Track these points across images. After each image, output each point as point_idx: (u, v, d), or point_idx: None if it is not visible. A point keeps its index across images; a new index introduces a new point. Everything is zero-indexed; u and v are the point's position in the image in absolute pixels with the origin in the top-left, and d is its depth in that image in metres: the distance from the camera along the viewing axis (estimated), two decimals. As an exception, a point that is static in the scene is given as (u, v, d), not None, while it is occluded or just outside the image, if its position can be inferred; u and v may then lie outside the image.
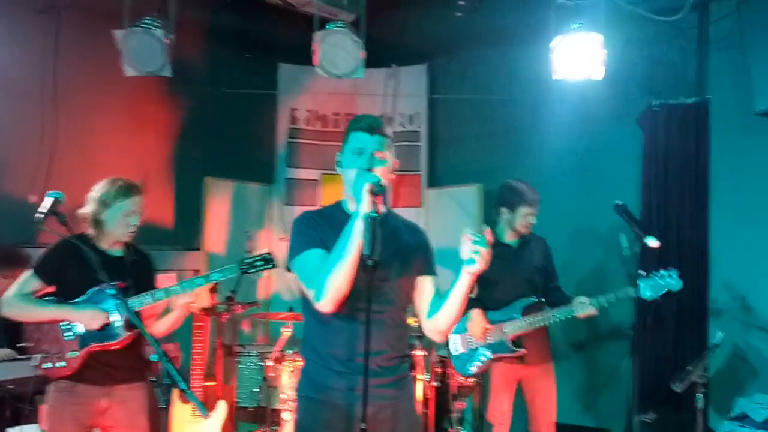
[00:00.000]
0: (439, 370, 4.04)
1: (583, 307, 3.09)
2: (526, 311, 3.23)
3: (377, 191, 1.80)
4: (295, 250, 2.00)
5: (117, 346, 2.53)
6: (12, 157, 4.05)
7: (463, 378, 3.26)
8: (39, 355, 2.53)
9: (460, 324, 3.22)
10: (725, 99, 3.85)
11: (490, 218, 4.82)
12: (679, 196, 4.01)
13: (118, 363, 2.57)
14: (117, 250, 2.66)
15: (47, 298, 2.57)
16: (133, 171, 4.54)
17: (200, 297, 3.56)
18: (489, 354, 3.23)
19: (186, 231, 4.77)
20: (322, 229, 2.01)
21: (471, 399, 4.41)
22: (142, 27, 3.77)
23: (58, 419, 2.52)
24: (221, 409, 3.62)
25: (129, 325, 2.51)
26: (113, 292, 2.42)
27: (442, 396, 4.06)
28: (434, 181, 5.21)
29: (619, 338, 4.16)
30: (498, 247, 3.23)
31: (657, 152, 4.09)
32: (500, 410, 3.27)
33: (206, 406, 2.92)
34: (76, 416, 2.52)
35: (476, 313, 3.21)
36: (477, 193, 4.81)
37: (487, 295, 3.27)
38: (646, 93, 4.15)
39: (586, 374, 4.33)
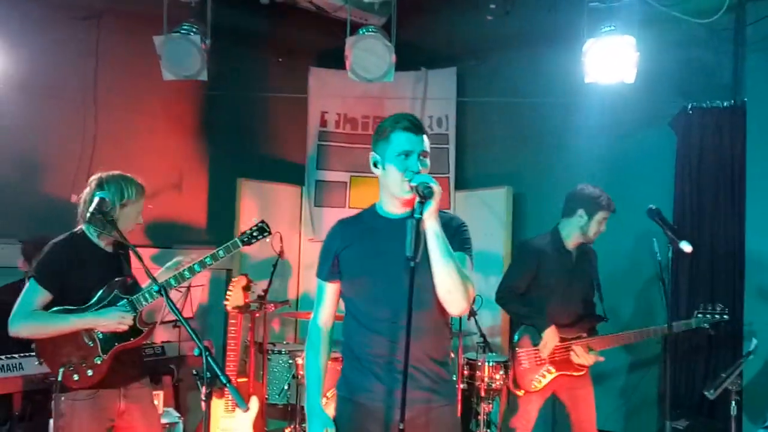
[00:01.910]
0: (466, 372, 4.05)
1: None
2: (591, 332, 3.24)
3: (426, 193, 1.80)
4: (317, 271, 2.13)
5: (142, 342, 2.54)
6: (54, 158, 4.19)
7: (522, 392, 3.22)
8: (62, 369, 2.40)
9: (534, 339, 3.21)
10: (762, 102, 3.77)
11: (520, 222, 4.85)
12: (713, 201, 3.95)
13: (130, 362, 2.55)
14: (109, 247, 2.57)
15: (56, 309, 2.43)
16: (169, 171, 4.71)
17: (234, 295, 3.67)
18: (554, 370, 3.20)
19: (218, 230, 4.87)
20: (344, 240, 2.05)
21: (498, 401, 4.41)
22: (180, 33, 3.87)
23: (80, 429, 2.41)
24: (254, 404, 3.69)
25: (143, 321, 2.53)
26: (118, 292, 2.46)
27: (469, 398, 4.07)
28: (463, 184, 5.22)
29: (650, 344, 4.11)
30: (560, 254, 3.23)
31: (690, 156, 4.03)
32: (526, 417, 3.24)
33: (244, 400, 2.96)
34: (100, 424, 2.45)
35: (551, 331, 3.14)
36: (506, 196, 4.80)
37: (545, 303, 3.22)
38: (679, 96, 4.10)
39: (617, 380, 4.29)
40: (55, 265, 2.43)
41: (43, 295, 2.40)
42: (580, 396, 3.23)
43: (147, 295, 2.49)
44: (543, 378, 3.20)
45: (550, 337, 3.12)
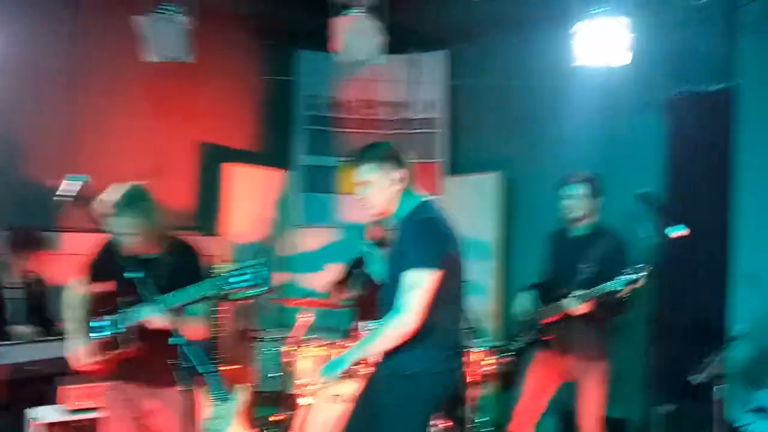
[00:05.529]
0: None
1: (570, 303, 3.03)
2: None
3: None
4: None
5: (128, 356, 2.40)
6: (33, 142, 4.11)
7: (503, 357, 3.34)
8: None
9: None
10: (754, 86, 3.72)
11: (512, 208, 4.81)
12: (705, 187, 3.92)
13: (159, 366, 2.36)
14: (149, 255, 2.46)
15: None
16: (153, 155, 4.62)
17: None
18: (525, 336, 3.28)
19: (205, 216, 4.81)
20: None
21: (488, 388, 4.40)
22: (163, 13, 3.77)
23: (113, 416, 2.51)
24: (241, 392, 3.65)
25: (132, 336, 2.38)
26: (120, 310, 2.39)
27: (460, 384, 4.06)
28: (454, 169, 5.16)
29: (635, 328, 4.09)
30: (561, 237, 3.29)
31: (682, 140, 4.00)
32: (531, 389, 3.29)
33: (226, 390, 2.91)
34: (127, 411, 2.49)
35: (521, 296, 3.29)
36: (497, 181, 4.76)
37: (546, 284, 3.29)
38: (672, 79, 4.04)
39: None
40: (92, 264, 2.58)
41: (78, 284, 2.59)
42: (586, 386, 3.18)
43: (140, 310, 2.32)
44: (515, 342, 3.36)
45: (523, 297, 3.35)
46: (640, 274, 2.84)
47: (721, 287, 3.75)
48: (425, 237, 2.24)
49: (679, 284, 3.84)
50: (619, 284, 2.87)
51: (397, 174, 2.33)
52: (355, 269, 2.79)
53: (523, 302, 3.31)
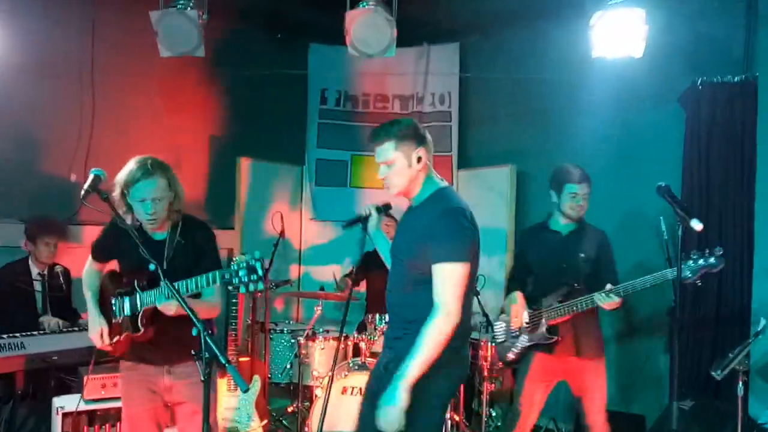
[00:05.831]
0: (470, 352, 4.02)
1: (605, 297, 2.91)
2: (564, 299, 3.08)
3: None
4: None
5: (143, 338, 2.42)
6: (53, 138, 4.15)
7: (501, 364, 3.20)
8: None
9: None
10: (773, 77, 3.69)
11: (524, 201, 4.79)
12: (723, 179, 3.87)
13: (172, 345, 2.42)
14: (160, 234, 2.47)
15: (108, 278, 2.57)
16: (167, 149, 4.64)
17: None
18: (526, 340, 3.16)
19: (219, 210, 4.83)
20: None
21: (500, 382, 4.40)
22: (176, 8, 3.79)
23: (129, 395, 2.54)
24: (256, 384, 3.68)
25: (146, 320, 2.39)
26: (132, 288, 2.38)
27: (472, 378, 4.06)
28: (465, 162, 5.15)
29: (655, 324, 4.08)
30: (544, 233, 3.17)
31: (700, 133, 3.95)
32: (530, 399, 3.16)
33: (244, 381, 2.91)
34: (143, 391, 2.50)
35: (517, 297, 3.14)
36: (509, 175, 4.74)
37: (531, 281, 3.19)
38: (689, 71, 4.00)
39: (622, 360, 4.26)
40: (100, 240, 2.58)
41: (96, 264, 2.60)
42: (589, 385, 3.09)
43: (153, 296, 2.32)
44: (516, 348, 3.18)
45: (516, 300, 3.13)
46: (710, 260, 2.74)
47: (743, 281, 3.71)
48: (457, 229, 2.17)
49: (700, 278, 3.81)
50: (685, 270, 2.75)
51: (419, 152, 2.25)
52: (355, 224, 2.60)
53: (516, 302, 3.15)
